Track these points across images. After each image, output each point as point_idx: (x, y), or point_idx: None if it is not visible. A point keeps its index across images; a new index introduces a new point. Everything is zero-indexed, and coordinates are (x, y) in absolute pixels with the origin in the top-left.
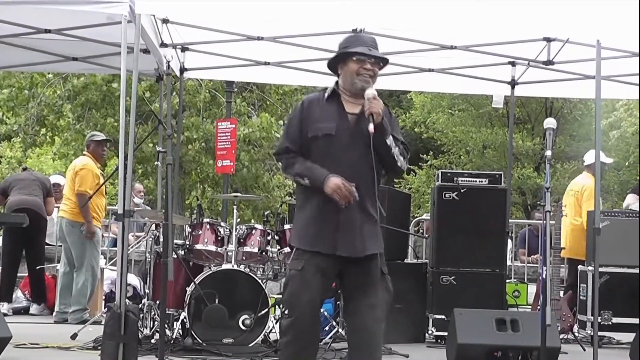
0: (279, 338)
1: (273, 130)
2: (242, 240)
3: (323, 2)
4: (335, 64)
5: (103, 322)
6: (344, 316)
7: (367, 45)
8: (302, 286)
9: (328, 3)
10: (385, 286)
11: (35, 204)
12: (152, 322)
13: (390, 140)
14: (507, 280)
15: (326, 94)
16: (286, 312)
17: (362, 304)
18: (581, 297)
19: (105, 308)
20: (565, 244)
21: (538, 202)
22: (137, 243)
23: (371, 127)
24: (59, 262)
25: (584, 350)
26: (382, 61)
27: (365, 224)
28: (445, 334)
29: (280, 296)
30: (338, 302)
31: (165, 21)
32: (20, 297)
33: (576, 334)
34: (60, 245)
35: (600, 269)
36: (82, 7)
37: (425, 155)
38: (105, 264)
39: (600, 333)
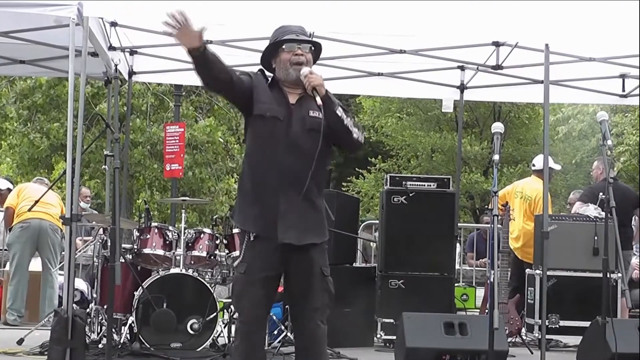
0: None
1: (217, 136)
2: (190, 244)
3: (272, 6)
4: (268, 60)
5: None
6: (291, 319)
7: (294, 32)
8: (245, 288)
9: (277, 6)
10: (326, 287)
11: None
12: (99, 327)
13: (340, 111)
14: (456, 284)
15: (268, 79)
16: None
17: (305, 307)
18: (529, 301)
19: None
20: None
21: (486, 206)
22: (85, 247)
23: (318, 100)
24: (3, 266)
25: (532, 353)
26: (314, 45)
27: (307, 212)
28: (394, 337)
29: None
30: (287, 306)
31: (113, 24)
32: None
33: (524, 337)
34: (6, 250)
35: (548, 273)
36: (30, 9)
37: (373, 159)
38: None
39: (547, 336)
